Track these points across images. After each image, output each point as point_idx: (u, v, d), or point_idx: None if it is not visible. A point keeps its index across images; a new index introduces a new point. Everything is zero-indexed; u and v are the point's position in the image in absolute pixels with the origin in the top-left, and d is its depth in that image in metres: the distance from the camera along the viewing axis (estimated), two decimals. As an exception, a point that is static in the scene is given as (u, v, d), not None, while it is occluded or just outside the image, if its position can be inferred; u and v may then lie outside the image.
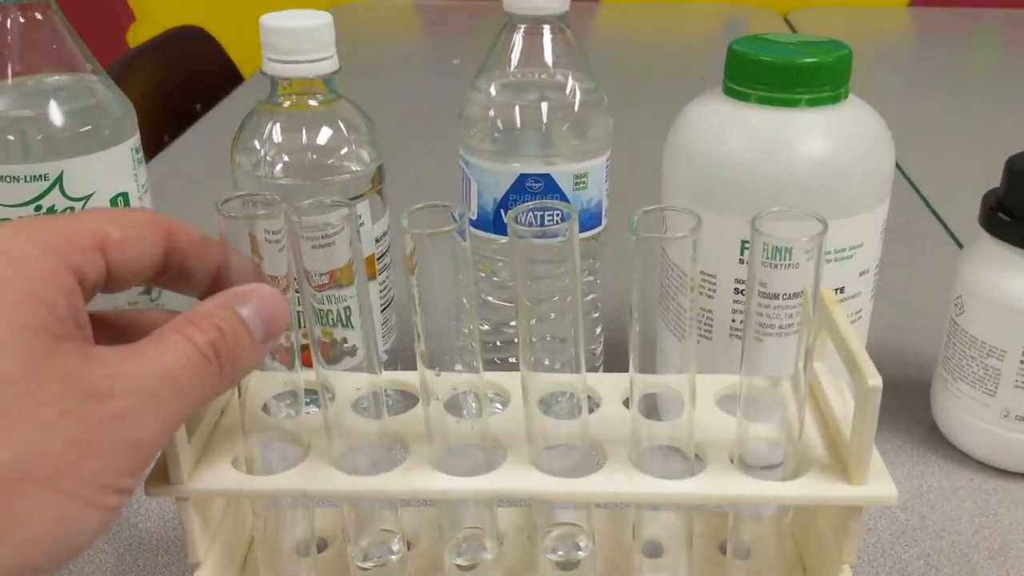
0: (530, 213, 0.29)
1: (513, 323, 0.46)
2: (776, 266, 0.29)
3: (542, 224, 0.33)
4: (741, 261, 0.40)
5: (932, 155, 0.85)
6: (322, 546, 0.38)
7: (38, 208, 0.41)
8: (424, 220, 0.29)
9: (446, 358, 0.31)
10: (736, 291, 0.41)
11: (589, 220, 0.44)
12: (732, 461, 0.32)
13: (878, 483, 0.31)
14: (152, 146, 0.95)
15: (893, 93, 1.05)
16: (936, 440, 0.47)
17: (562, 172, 0.42)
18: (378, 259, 0.46)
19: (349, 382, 0.33)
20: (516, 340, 0.31)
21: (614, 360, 0.49)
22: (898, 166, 0.81)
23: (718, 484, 0.31)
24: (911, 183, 0.78)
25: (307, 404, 0.35)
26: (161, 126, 0.99)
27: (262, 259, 0.31)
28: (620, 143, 0.46)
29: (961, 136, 0.92)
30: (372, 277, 0.45)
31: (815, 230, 0.28)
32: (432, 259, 0.29)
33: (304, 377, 0.34)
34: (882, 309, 0.58)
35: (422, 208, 0.29)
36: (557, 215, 0.28)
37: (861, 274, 0.42)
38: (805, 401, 0.31)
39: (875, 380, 0.29)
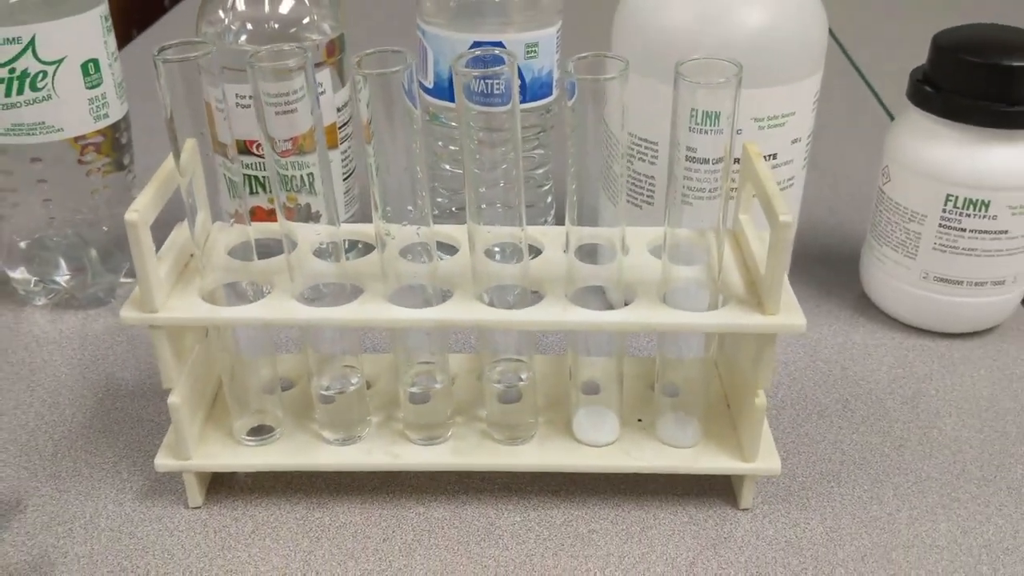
0: (473, 69, 0.31)
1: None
2: (705, 132, 0.32)
3: (487, 86, 0.36)
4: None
5: (874, 37, 0.87)
6: (287, 387, 0.41)
7: (12, 71, 0.43)
8: (375, 65, 0.31)
9: (403, 222, 0.34)
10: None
11: (540, 89, 0.46)
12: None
13: (789, 314, 0.34)
14: (121, 40, 0.96)
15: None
16: (864, 306, 0.50)
17: (514, 40, 0.44)
18: (340, 128, 0.48)
19: (310, 231, 0.36)
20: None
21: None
22: (843, 50, 0.84)
23: (642, 315, 0.34)
24: (854, 65, 0.81)
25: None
26: (130, 21, 0.99)
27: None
28: (574, 16, 0.48)
29: (896, 15, 0.96)
30: (334, 146, 0.48)
31: (732, 72, 0.31)
32: (383, 110, 0.31)
33: (267, 228, 0.37)
34: (819, 187, 0.62)
35: (373, 53, 0.31)
36: (500, 70, 0.31)
37: (793, 142, 0.44)
38: (723, 241, 0.34)
39: (786, 216, 0.32)
